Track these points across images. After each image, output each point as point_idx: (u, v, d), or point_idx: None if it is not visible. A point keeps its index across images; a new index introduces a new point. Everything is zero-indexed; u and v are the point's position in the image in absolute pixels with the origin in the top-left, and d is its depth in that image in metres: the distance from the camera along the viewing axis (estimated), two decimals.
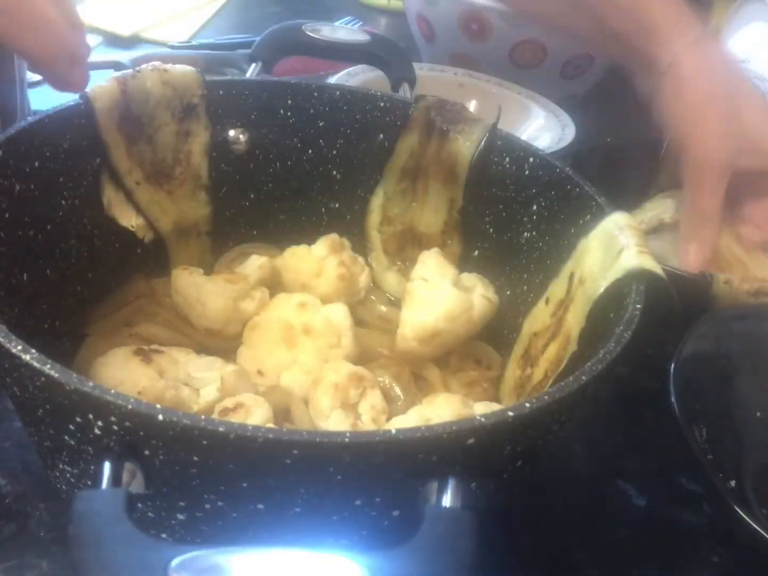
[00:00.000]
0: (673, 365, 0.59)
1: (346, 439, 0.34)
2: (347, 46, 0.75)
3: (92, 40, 1.20)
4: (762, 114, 0.67)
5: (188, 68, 0.61)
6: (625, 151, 0.89)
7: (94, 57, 1.10)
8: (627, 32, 0.71)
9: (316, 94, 0.66)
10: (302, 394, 0.55)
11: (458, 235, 0.67)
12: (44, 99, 0.93)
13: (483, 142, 0.63)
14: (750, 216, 0.70)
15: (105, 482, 0.35)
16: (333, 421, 0.51)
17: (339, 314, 0.59)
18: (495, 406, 0.53)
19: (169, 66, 0.60)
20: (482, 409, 0.52)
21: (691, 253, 0.66)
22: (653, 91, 0.70)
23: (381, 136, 0.66)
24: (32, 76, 0.95)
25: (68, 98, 0.57)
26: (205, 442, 0.34)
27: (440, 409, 0.51)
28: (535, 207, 0.61)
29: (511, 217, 0.63)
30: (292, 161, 0.68)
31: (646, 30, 0.69)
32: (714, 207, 0.65)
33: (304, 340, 0.58)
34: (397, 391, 0.57)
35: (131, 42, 1.22)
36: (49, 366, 0.36)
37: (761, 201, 0.69)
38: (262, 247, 0.70)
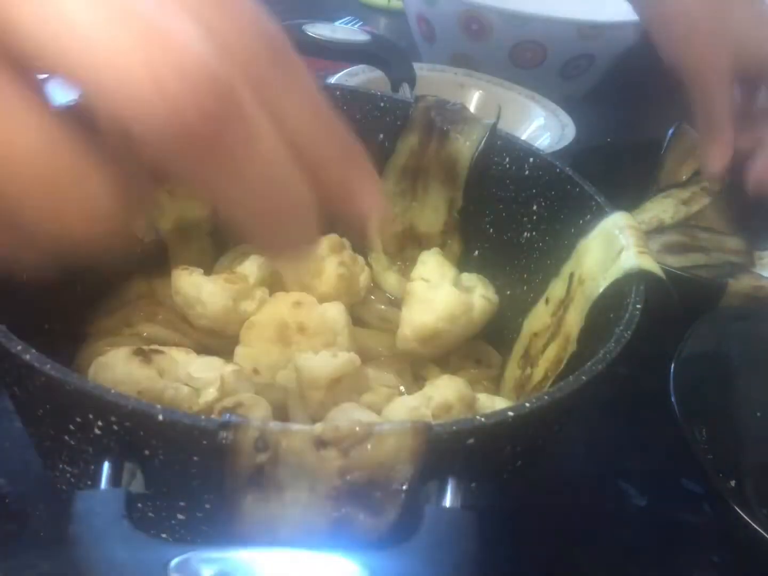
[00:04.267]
0: (673, 365, 0.59)
1: None
2: (347, 46, 0.75)
3: None
4: (754, 21, 0.70)
5: None
6: (625, 151, 0.89)
7: None
8: None
9: None
10: (298, 392, 0.55)
11: (458, 235, 0.67)
12: None
13: (483, 142, 0.63)
14: None
15: (105, 482, 0.35)
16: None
17: (335, 312, 0.59)
18: (497, 399, 0.53)
19: None
20: (485, 399, 0.52)
21: (713, 157, 0.70)
22: (649, 22, 0.75)
23: (381, 136, 0.66)
24: None
25: (67, 99, 0.57)
26: (205, 442, 0.34)
27: (443, 389, 0.51)
28: (535, 207, 0.61)
29: (511, 217, 0.63)
30: None
31: None
32: (723, 108, 0.69)
33: (300, 338, 0.58)
34: (402, 389, 0.58)
35: None
36: (49, 366, 0.35)
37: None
38: None
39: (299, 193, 0.26)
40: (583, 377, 0.40)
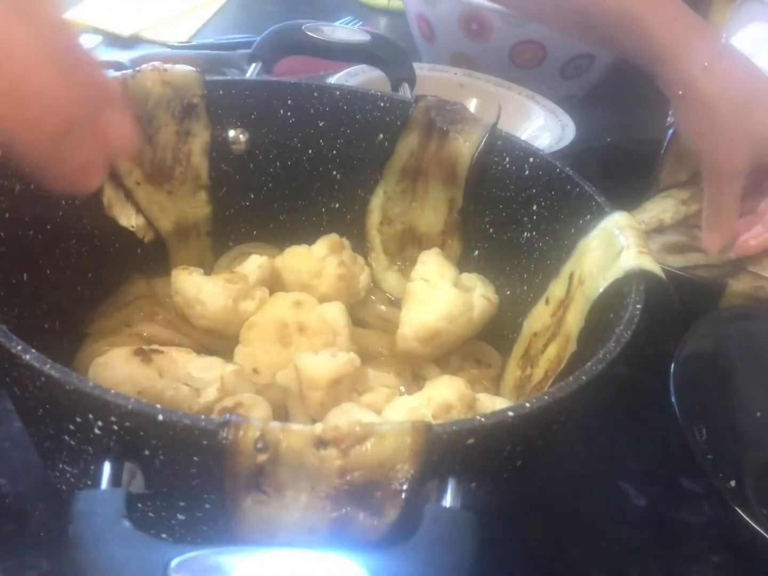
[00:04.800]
0: (673, 365, 0.59)
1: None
2: (347, 46, 0.75)
3: (92, 40, 1.20)
4: None
5: (188, 68, 0.61)
6: (625, 151, 0.89)
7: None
8: (640, 58, 0.75)
9: (316, 94, 0.66)
10: (298, 392, 0.55)
11: (458, 235, 0.67)
12: None
13: (483, 142, 0.63)
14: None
15: (105, 482, 0.35)
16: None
17: (335, 313, 0.59)
18: (497, 399, 0.54)
19: (168, 66, 0.60)
20: (485, 399, 0.52)
21: (713, 241, 0.74)
22: (672, 104, 0.76)
23: (381, 136, 0.66)
24: None
25: None
26: (205, 442, 0.34)
27: (443, 390, 0.51)
28: (535, 207, 0.61)
29: (511, 217, 0.63)
30: (292, 161, 0.68)
31: (658, 58, 0.72)
32: (731, 202, 0.72)
33: (299, 338, 0.58)
34: (402, 389, 0.58)
35: (131, 42, 1.22)
36: (49, 366, 0.36)
37: None
38: (262, 247, 0.70)
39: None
40: (583, 377, 0.40)
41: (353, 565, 0.31)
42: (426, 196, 0.67)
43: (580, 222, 0.56)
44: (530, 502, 0.54)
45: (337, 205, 0.70)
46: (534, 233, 0.62)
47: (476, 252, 0.67)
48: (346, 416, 0.50)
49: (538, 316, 0.59)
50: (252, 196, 0.69)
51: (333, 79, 0.96)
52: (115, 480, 0.35)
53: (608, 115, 1.15)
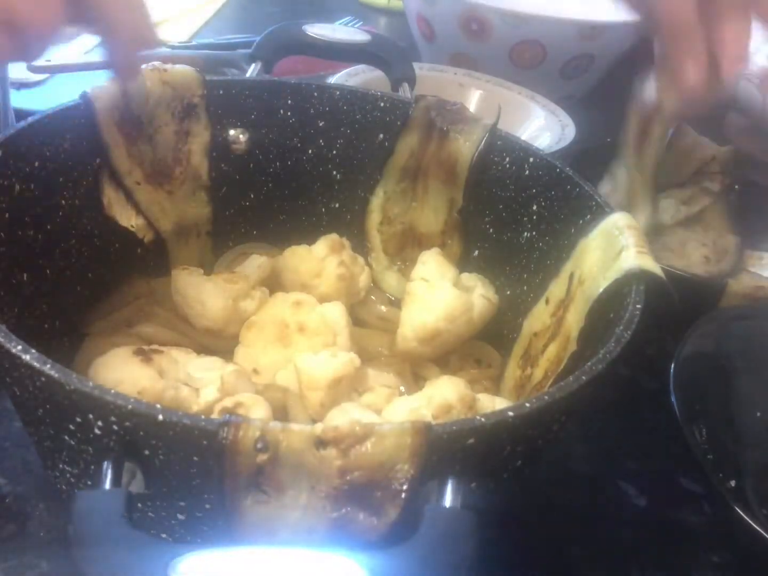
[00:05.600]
0: (673, 365, 0.59)
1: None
2: (347, 46, 0.75)
3: (92, 40, 1.20)
4: None
5: (188, 68, 0.61)
6: None
7: (94, 57, 1.11)
8: None
9: (316, 94, 0.66)
10: (298, 392, 0.55)
11: (458, 235, 0.67)
12: (41, 99, 0.93)
13: (483, 142, 0.63)
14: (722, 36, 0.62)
15: (105, 482, 0.35)
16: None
17: (335, 312, 0.59)
18: (497, 399, 0.53)
19: (168, 66, 0.60)
20: (485, 399, 0.52)
21: (690, 71, 0.61)
22: None
23: (381, 136, 0.66)
24: (21, 76, 0.95)
25: (68, 99, 0.57)
26: (205, 442, 0.34)
27: (444, 390, 0.51)
28: (535, 207, 0.61)
29: (511, 217, 0.63)
30: (292, 161, 0.68)
31: None
32: (689, 20, 0.60)
33: (299, 338, 0.58)
34: (402, 389, 0.58)
35: None
36: (49, 366, 0.36)
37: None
38: (262, 247, 0.70)
39: None
40: (583, 377, 0.40)
41: (353, 565, 0.31)
42: (426, 196, 0.67)
43: (580, 222, 0.56)
44: (530, 502, 0.54)
45: (337, 205, 0.70)
46: (534, 233, 0.62)
47: (476, 252, 0.67)
48: (346, 416, 0.50)
49: (538, 316, 0.59)
50: (252, 196, 0.69)
51: (333, 79, 0.96)
52: (115, 480, 0.35)
53: (608, 115, 1.14)
